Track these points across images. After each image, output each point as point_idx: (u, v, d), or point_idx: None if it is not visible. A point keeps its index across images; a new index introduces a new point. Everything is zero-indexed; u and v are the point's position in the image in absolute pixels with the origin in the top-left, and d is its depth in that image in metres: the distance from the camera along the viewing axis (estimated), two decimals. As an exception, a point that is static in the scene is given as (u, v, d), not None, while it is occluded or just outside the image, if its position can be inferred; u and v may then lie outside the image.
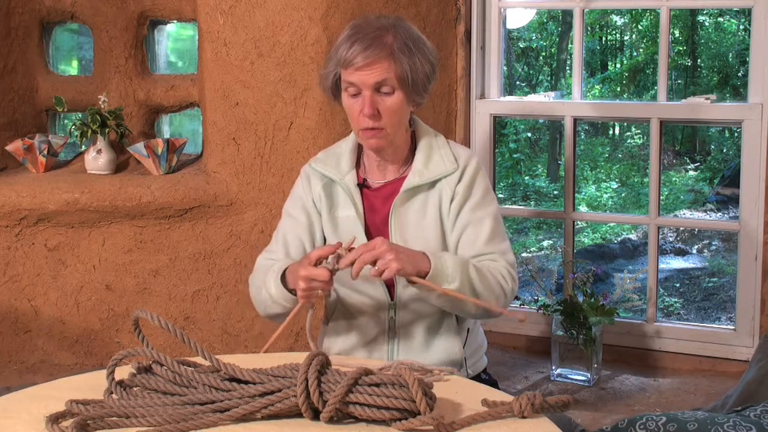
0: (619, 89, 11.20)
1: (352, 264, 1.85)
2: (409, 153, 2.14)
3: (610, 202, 10.11)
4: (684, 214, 9.58)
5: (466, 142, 3.22)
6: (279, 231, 2.20)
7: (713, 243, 8.80)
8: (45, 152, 3.18)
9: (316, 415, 1.47)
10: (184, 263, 3.09)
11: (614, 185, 10.48)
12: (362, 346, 2.12)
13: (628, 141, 11.45)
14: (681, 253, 8.69)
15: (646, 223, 3.18)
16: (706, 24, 11.17)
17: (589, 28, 11.25)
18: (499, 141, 3.84)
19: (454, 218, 2.08)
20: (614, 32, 12.07)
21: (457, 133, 3.20)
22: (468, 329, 2.14)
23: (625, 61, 11.71)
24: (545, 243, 9.15)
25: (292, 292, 1.98)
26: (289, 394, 1.46)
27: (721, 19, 10.96)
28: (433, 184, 2.09)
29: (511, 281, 2.04)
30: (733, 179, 9.38)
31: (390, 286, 2.07)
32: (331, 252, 1.88)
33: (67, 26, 3.46)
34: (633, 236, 9.14)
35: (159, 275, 3.10)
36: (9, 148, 3.20)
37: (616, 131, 11.64)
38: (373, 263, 1.85)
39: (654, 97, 7.84)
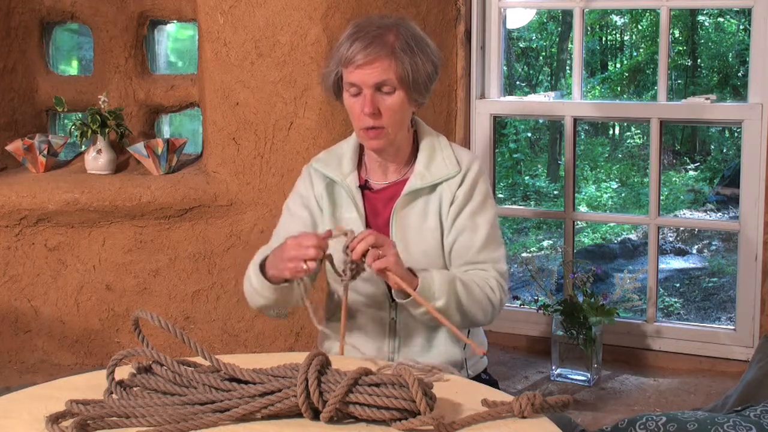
0: (619, 89, 11.19)
1: (362, 255, 1.84)
2: (410, 154, 2.14)
3: (610, 202, 10.10)
4: (684, 214, 9.58)
5: (466, 142, 3.23)
6: (279, 227, 2.19)
7: (713, 243, 8.80)
8: (45, 152, 3.18)
9: (316, 415, 1.47)
10: (184, 263, 3.09)
11: (614, 185, 10.48)
12: (362, 347, 2.11)
13: (628, 141, 11.45)
14: (681, 253, 8.69)
15: (646, 223, 3.18)
16: (706, 24, 11.16)
17: (589, 28, 11.24)
18: (499, 141, 3.84)
19: (451, 222, 2.07)
20: (614, 32, 12.06)
21: (457, 133, 3.20)
22: (469, 330, 2.14)
23: (625, 61, 11.70)
24: (545, 243, 9.14)
25: (272, 281, 1.95)
26: (289, 394, 1.46)
27: (721, 19, 10.95)
28: (434, 187, 2.09)
29: (499, 292, 2.05)
30: (733, 179, 9.37)
31: (390, 287, 2.07)
32: (323, 239, 1.86)
33: (67, 26, 3.46)
34: (633, 236, 9.14)
35: (159, 275, 3.10)
36: (9, 148, 3.20)
37: (616, 131, 11.64)
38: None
39: (654, 97, 7.84)
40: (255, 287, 2.00)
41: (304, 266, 1.84)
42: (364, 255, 1.84)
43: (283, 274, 1.90)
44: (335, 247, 1.89)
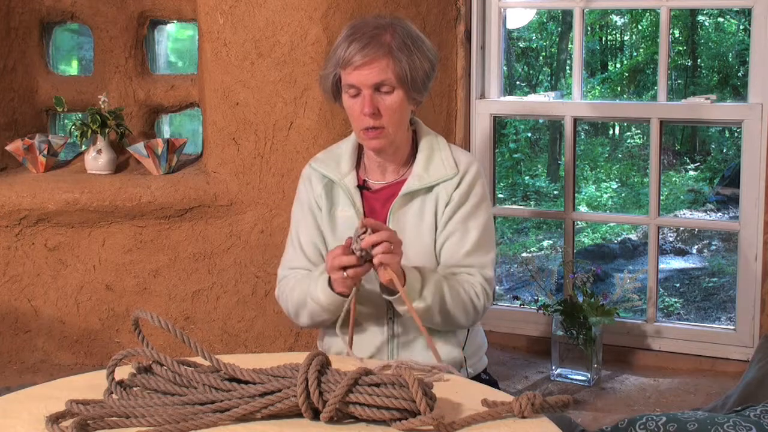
0: (619, 89, 11.19)
1: (371, 246, 1.85)
2: (409, 153, 2.14)
3: (610, 202, 10.10)
4: (684, 214, 9.57)
5: (466, 142, 3.23)
6: (292, 239, 2.19)
7: (713, 243, 8.79)
8: (45, 152, 3.18)
9: (316, 415, 1.47)
10: (184, 263, 3.09)
11: (614, 185, 10.47)
12: (362, 347, 2.11)
13: (628, 141, 11.44)
14: (681, 253, 8.68)
15: (646, 223, 3.18)
16: (706, 24, 11.15)
17: (589, 28, 11.24)
18: (499, 141, 3.84)
19: (444, 223, 2.08)
20: (614, 32, 12.05)
21: (457, 133, 3.20)
22: (468, 330, 2.14)
23: (625, 61, 11.70)
24: (545, 243, 9.14)
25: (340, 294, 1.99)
26: (289, 394, 1.46)
27: (721, 19, 10.95)
28: (431, 188, 2.09)
29: (484, 298, 2.06)
30: (733, 179, 9.36)
31: (390, 286, 2.07)
32: (345, 249, 1.88)
33: (67, 26, 3.46)
34: (633, 236, 9.13)
35: (159, 275, 3.10)
36: (9, 148, 3.20)
37: (616, 131, 11.63)
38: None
39: (654, 97, 7.83)
40: (323, 304, 2.00)
41: (344, 274, 1.89)
42: (372, 246, 1.85)
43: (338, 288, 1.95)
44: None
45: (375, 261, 1.85)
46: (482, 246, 2.08)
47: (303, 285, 2.06)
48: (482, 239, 2.08)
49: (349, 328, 1.99)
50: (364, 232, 1.86)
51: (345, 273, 1.89)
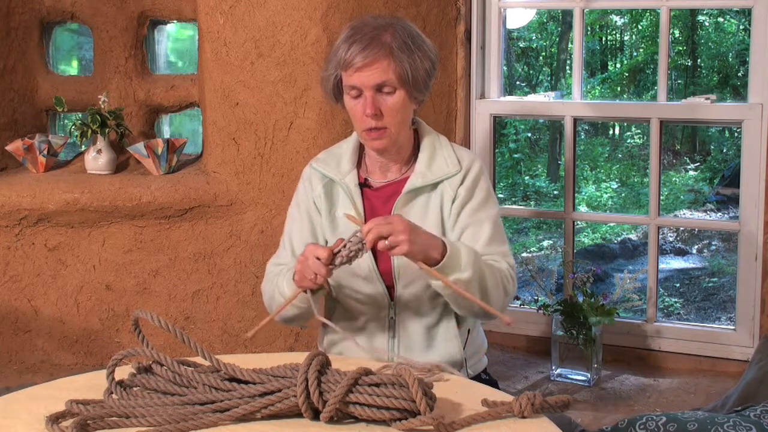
0: (619, 89, 11.19)
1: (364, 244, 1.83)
2: (411, 153, 2.14)
3: (610, 202, 10.10)
4: (684, 214, 9.57)
5: (466, 142, 3.23)
6: (285, 236, 2.19)
7: (713, 243, 8.79)
8: (45, 152, 3.18)
9: (316, 415, 1.47)
10: (184, 263, 3.09)
11: (614, 185, 10.47)
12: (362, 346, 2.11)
13: (628, 141, 11.44)
14: (681, 253, 8.68)
15: (646, 223, 3.19)
16: (706, 24, 11.15)
17: (589, 28, 11.24)
18: (499, 141, 3.84)
19: (454, 219, 2.07)
20: (614, 32, 12.05)
21: (457, 133, 3.20)
22: (468, 330, 2.14)
23: (625, 61, 11.70)
24: (545, 243, 9.14)
25: (306, 291, 1.97)
26: (289, 394, 1.46)
27: (721, 19, 10.95)
28: (435, 186, 2.09)
29: (512, 283, 2.03)
30: (733, 179, 9.37)
31: (389, 286, 2.07)
32: (330, 251, 1.87)
33: (67, 26, 3.46)
34: (633, 236, 9.13)
35: (159, 275, 3.10)
36: (9, 148, 3.20)
37: (616, 131, 11.63)
38: (386, 240, 1.82)
39: (654, 97, 7.83)
40: (288, 298, 1.99)
41: (311, 277, 1.86)
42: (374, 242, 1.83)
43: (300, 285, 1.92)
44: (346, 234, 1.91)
45: (392, 254, 1.83)
46: (497, 237, 2.07)
47: (275, 279, 2.06)
48: (496, 230, 2.07)
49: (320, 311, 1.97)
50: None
51: (314, 274, 1.86)
